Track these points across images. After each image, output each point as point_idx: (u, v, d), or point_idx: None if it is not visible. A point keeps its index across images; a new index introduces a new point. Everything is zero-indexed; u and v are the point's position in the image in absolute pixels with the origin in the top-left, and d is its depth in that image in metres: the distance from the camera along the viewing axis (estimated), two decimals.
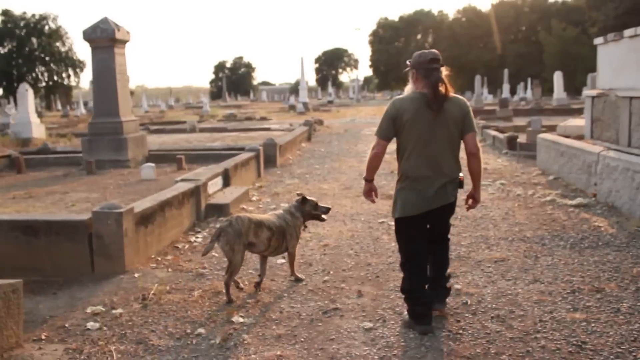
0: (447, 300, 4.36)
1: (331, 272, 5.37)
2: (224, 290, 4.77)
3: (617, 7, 63.09)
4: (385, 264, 5.57)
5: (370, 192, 4.32)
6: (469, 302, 4.52)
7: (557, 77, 32.87)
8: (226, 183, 8.95)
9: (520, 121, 23.74)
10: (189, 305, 4.66)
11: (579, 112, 30.35)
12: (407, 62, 4.17)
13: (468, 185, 4.35)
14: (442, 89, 3.93)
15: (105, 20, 11.89)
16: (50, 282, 5.30)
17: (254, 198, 8.94)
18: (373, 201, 4.41)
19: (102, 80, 11.91)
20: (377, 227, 7.07)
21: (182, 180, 7.81)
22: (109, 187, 9.37)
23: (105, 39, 11.73)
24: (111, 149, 11.61)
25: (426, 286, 4.17)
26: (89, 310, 4.61)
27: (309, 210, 5.23)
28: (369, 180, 4.29)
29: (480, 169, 4.25)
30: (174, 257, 5.98)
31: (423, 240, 4.12)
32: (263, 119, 29.03)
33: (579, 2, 73.64)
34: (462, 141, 4.14)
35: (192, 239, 6.71)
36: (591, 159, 8.33)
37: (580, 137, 10.28)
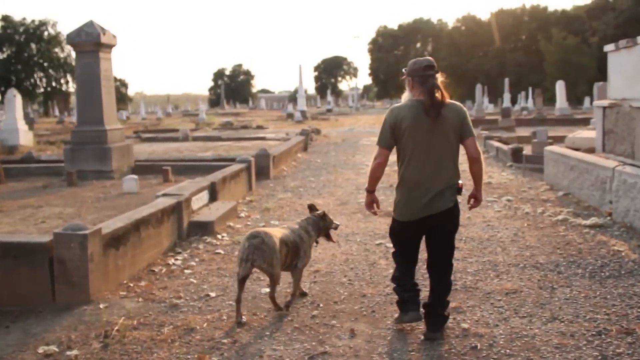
0: (444, 327, 4.16)
1: (321, 305, 4.75)
2: (272, 303, 4.54)
3: (618, 16, 62.84)
4: (382, 295, 4.96)
5: (372, 203, 4.31)
6: (479, 347, 3.90)
7: (560, 87, 32.30)
8: (213, 197, 8.34)
9: (523, 131, 23.16)
10: (156, 346, 4.04)
11: (582, 122, 29.82)
12: (403, 71, 4.17)
13: (469, 192, 4.43)
14: (438, 95, 3.94)
15: (90, 24, 11.31)
16: (5, 312, 4.69)
17: (242, 214, 8.32)
18: (375, 213, 4.38)
19: (86, 86, 11.32)
20: (374, 249, 6.46)
21: (164, 195, 7.19)
22: (87, 201, 8.75)
23: (90, 42, 11.14)
24: (94, 158, 11.00)
25: (414, 279, 4.23)
26: (40, 350, 3.99)
27: (325, 227, 5.02)
28: (370, 191, 4.27)
29: (482, 172, 4.26)
30: (147, 284, 5.36)
31: (417, 244, 4.19)
32: (259, 127, 28.45)
33: (578, 12, 73.42)
34: (461, 146, 4.14)
35: (171, 261, 6.10)
36: (605, 174, 7.73)
37: (590, 150, 9.70)
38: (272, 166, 12.47)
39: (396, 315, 4.30)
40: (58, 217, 7.57)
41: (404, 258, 4.20)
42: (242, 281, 4.38)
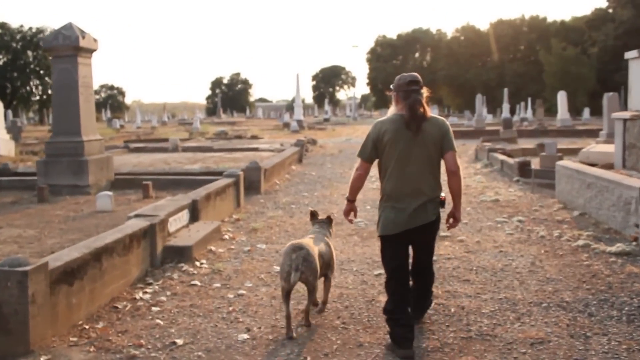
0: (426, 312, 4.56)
1: (308, 359, 3.94)
2: (305, 317, 4.48)
3: (618, 27, 62.36)
4: (381, 344, 4.14)
5: (350, 212, 4.45)
6: None
7: (561, 97, 31.66)
8: (194, 217, 7.53)
9: (526, 143, 22.41)
10: None
11: (585, 134, 29.09)
12: (390, 87, 4.24)
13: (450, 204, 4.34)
14: (420, 110, 4.01)
15: (69, 26, 10.53)
16: None
17: (226, 236, 7.50)
18: (351, 221, 4.54)
19: (62, 94, 10.52)
20: (373, 281, 5.65)
21: (137, 216, 6.39)
22: (54, 221, 7.93)
23: (67, 46, 10.37)
24: (70, 172, 10.18)
25: (408, 309, 4.16)
26: None
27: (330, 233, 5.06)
28: (351, 200, 4.42)
29: (461, 187, 4.25)
30: (103, 328, 4.53)
31: (405, 257, 4.23)
32: (254, 137, 27.65)
33: (578, 23, 73.03)
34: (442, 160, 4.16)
35: (139, 294, 5.28)
36: (630, 194, 6.94)
37: (608, 166, 8.94)
38: (264, 180, 11.68)
39: (388, 340, 4.14)
40: (15, 241, 6.74)
41: (397, 283, 4.18)
42: (288, 295, 4.23)
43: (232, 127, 49.01)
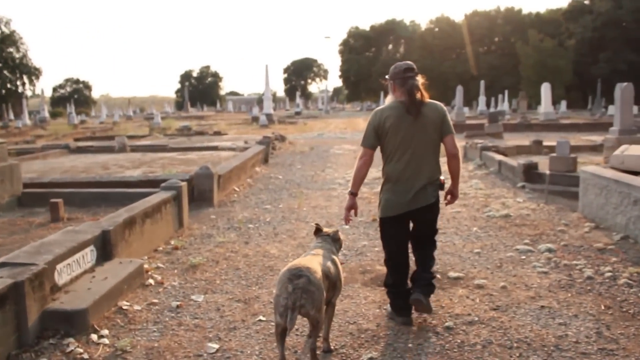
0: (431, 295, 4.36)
1: None
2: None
3: (595, 19, 61.30)
4: None
5: (351, 208, 4.27)
6: None
7: (545, 90, 29.95)
8: (106, 255, 5.38)
9: (514, 139, 20.60)
10: None
11: (571, 128, 27.44)
12: (386, 77, 4.30)
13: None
14: (418, 95, 4.09)
15: None
16: None
17: (151, 280, 5.38)
18: (349, 220, 4.32)
19: None
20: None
21: (2, 265, 4.24)
22: None
23: None
24: None
25: (408, 281, 4.30)
26: None
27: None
28: (353, 193, 4.28)
29: (459, 169, 4.32)
30: None
31: (404, 239, 4.30)
32: (217, 133, 25.37)
33: (554, 15, 72.04)
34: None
35: None
36: None
37: None
38: (217, 189, 9.55)
39: (388, 306, 4.42)
40: None
41: (396, 261, 4.31)
42: (284, 334, 3.49)
43: (200, 121, 46.58)
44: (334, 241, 4.16)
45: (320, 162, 15.04)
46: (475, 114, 43.69)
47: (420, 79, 4.16)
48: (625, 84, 12.00)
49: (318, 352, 3.67)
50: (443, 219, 7.68)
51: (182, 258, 6.18)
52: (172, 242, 6.80)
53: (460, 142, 19.16)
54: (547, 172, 9.15)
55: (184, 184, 7.79)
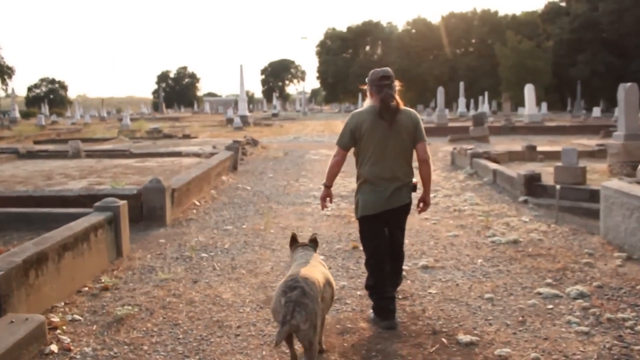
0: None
1: None
2: None
3: (573, 20, 60.77)
4: None
5: (326, 197, 4.57)
6: None
7: (529, 91, 28.95)
8: None
9: (503, 143, 19.43)
10: None
11: (557, 131, 26.36)
12: (366, 80, 4.43)
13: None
14: (393, 103, 4.27)
15: None
16: None
17: (54, 346, 3.94)
18: (325, 206, 4.64)
19: None
20: None
21: None
22: None
23: None
24: None
25: (388, 282, 4.35)
26: None
27: None
28: (327, 186, 4.55)
29: (430, 175, 4.48)
30: None
31: (383, 236, 4.42)
32: (186, 137, 23.81)
33: (529, 17, 71.63)
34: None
35: None
36: None
37: None
38: (171, 205, 8.13)
39: (370, 311, 4.40)
40: None
41: (377, 260, 4.37)
42: (290, 338, 3.36)
43: (174, 123, 44.85)
44: (315, 247, 4.02)
45: (295, 170, 13.67)
46: (455, 116, 42.65)
47: (397, 85, 4.35)
48: (629, 84, 10.82)
49: None
50: (439, 246, 6.35)
51: (108, 305, 4.76)
52: (103, 279, 5.38)
53: (445, 147, 17.90)
54: (557, 186, 7.84)
55: (123, 203, 6.34)
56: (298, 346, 3.47)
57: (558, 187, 7.66)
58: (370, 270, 4.40)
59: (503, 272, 5.38)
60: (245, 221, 7.99)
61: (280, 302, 3.24)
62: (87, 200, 7.73)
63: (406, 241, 6.35)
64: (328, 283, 3.60)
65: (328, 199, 4.56)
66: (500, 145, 18.80)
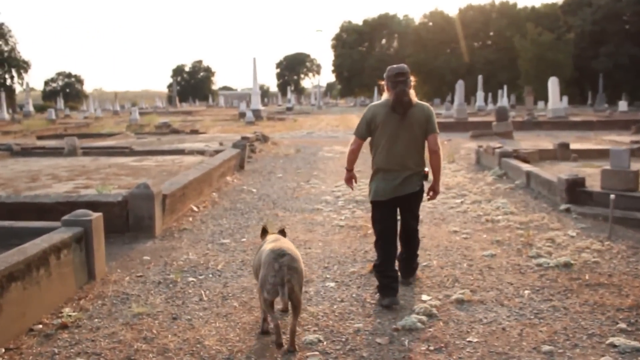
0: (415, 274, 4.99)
1: None
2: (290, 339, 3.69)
3: (595, 12, 59.04)
4: None
5: (351, 179, 4.97)
6: None
7: (553, 84, 27.60)
8: None
9: (528, 139, 18.24)
10: None
11: (585, 126, 24.97)
12: (383, 76, 4.72)
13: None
14: (406, 98, 4.53)
15: None
16: None
17: None
18: (352, 188, 5.10)
19: None
20: None
21: None
22: None
23: None
24: None
25: (394, 264, 4.62)
26: None
27: None
28: (349, 169, 4.92)
29: (440, 165, 4.77)
30: None
31: (393, 221, 4.70)
32: (193, 132, 22.83)
33: (550, 8, 69.84)
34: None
35: None
36: None
37: None
38: (162, 214, 7.12)
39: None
40: None
41: (385, 242, 4.64)
42: (272, 305, 3.82)
43: (186, 117, 44.05)
44: (284, 236, 4.33)
45: (306, 169, 12.63)
46: (473, 110, 41.33)
47: (411, 81, 4.62)
48: None
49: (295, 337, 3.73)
50: (474, 270, 5.28)
51: (60, 353, 3.75)
52: (64, 313, 4.39)
53: (467, 143, 16.69)
54: (611, 195, 6.69)
55: (96, 216, 5.33)
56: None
57: (612, 196, 6.52)
58: (379, 251, 4.68)
59: (559, 310, 4.28)
60: (246, 233, 6.96)
61: (273, 267, 3.65)
62: (65, 208, 6.71)
63: (434, 262, 5.32)
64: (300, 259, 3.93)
65: (353, 180, 4.97)
66: (526, 141, 17.63)
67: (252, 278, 5.23)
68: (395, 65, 4.74)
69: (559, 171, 10.27)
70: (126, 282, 5.19)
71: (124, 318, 4.33)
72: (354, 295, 4.71)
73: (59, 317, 4.35)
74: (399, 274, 4.68)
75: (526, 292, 4.66)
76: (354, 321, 4.18)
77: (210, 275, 5.31)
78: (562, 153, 12.36)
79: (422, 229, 6.91)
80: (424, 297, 4.61)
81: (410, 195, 4.62)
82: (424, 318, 4.11)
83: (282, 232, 4.37)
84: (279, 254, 3.68)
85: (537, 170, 9.35)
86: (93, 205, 6.77)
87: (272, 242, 3.99)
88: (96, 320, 4.32)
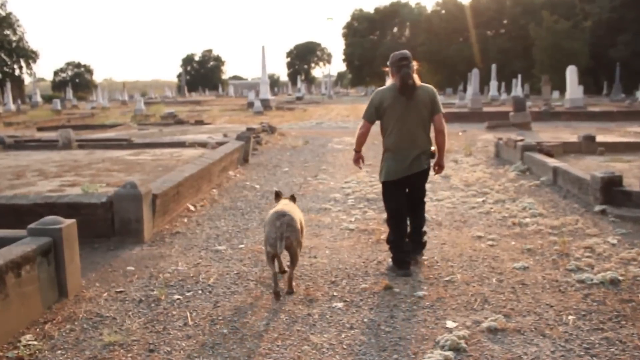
0: (423, 251, 5.26)
1: None
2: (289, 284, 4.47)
3: None
4: None
5: (358, 160, 5.27)
6: None
7: (571, 73, 26.63)
8: None
9: (547, 131, 17.38)
10: None
11: (605, 116, 24.01)
12: (387, 63, 5.01)
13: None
14: (411, 81, 4.81)
15: None
16: None
17: None
18: (360, 167, 5.47)
19: None
20: None
21: None
22: None
23: None
24: None
25: (406, 239, 5.02)
26: None
27: None
28: (357, 151, 5.23)
29: (445, 142, 5.02)
30: None
31: (403, 200, 5.05)
32: (198, 123, 22.12)
33: None
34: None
35: None
36: None
37: None
38: (152, 215, 6.42)
39: (389, 260, 5.07)
40: None
41: (398, 219, 5.03)
42: (274, 259, 4.47)
43: (195, 107, 43.37)
44: (294, 201, 5.02)
45: (314, 162, 11.90)
46: (486, 100, 40.32)
47: (414, 65, 4.89)
48: None
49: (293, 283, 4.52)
50: (505, 287, 4.53)
51: None
52: (23, 342, 3.70)
53: (483, 135, 15.87)
54: (634, 188, 5.92)
55: (68, 223, 4.63)
56: None
57: (624, 188, 5.73)
58: (391, 228, 5.05)
59: (614, 344, 3.53)
60: (245, 237, 6.25)
61: (275, 224, 4.34)
62: (44, 210, 6.03)
63: (458, 276, 4.60)
64: (301, 222, 4.61)
65: (361, 160, 5.25)
66: (545, 133, 16.79)
67: (247, 294, 4.53)
68: (398, 52, 5.02)
69: (586, 166, 9.49)
70: (103, 299, 4.49)
71: (92, 349, 3.64)
72: (365, 319, 3.98)
73: (16, 347, 3.67)
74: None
75: (570, 317, 3.91)
76: (366, 356, 3.46)
77: (200, 292, 4.60)
78: (588, 146, 11.53)
79: (442, 234, 6.18)
80: (449, 323, 3.87)
81: (419, 173, 4.94)
82: (450, 355, 3.37)
83: (293, 198, 5.02)
84: (281, 214, 4.41)
85: (565, 166, 8.55)
86: (74, 207, 6.14)
87: (280, 205, 4.68)
88: (59, 352, 3.63)
